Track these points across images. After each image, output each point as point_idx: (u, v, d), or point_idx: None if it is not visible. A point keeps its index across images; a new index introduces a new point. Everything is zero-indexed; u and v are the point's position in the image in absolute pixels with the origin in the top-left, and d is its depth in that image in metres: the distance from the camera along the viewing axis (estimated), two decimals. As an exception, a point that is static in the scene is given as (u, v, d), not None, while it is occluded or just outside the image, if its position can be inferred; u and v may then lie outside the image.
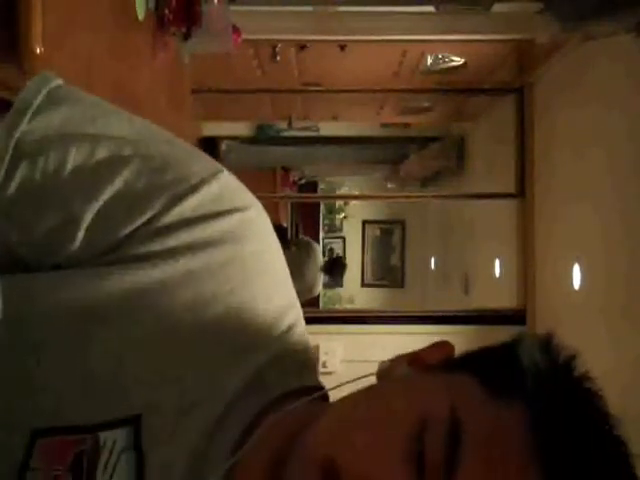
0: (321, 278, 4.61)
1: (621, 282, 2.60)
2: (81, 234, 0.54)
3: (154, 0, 1.71)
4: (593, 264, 2.87)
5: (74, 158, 0.55)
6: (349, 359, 3.45)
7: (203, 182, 0.56)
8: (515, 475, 0.45)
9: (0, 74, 0.98)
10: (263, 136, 5.44)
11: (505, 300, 3.78)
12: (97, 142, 0.56)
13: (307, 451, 0.49)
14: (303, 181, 7.02)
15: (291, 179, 6.59)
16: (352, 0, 3.08)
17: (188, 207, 0.55)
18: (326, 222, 7.78)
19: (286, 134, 5.42)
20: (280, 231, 4.42)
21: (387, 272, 7.79)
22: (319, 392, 0.58)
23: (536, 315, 3.48)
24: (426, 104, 4.60)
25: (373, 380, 0.57)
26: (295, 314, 0.61)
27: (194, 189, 0.56)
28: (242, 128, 5.42)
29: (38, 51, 1.01)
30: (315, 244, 4.84)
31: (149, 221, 0.55)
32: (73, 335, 0.53)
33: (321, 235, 7.34)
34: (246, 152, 5.42)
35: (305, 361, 0.60)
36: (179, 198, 0.55)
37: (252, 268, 0.57)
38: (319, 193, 7.31)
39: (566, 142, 3.16)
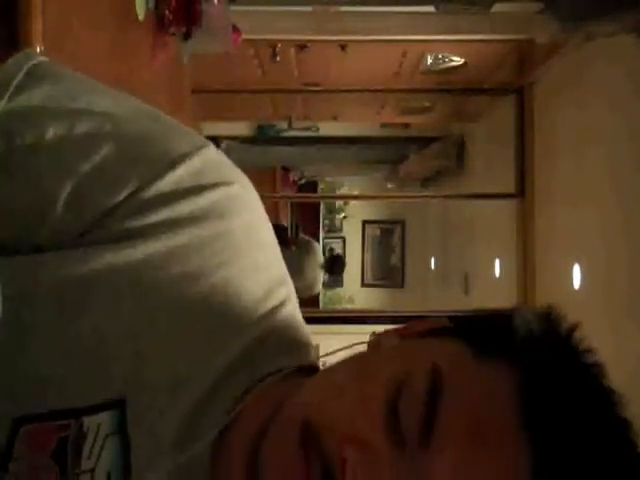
0: (321, 276, 4.61)
1: (621, 282, 2.60)
2: (59, 210, 0.53)
3: (154, 0, 1.71)
4: (593, 264, 2.87)
5: (51, 133, 0.53)
6: (349, 359, 3.45)
7: (185, 156, 0.55)
8: (497, 435, 0.44)
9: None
10: (263, 136, 5.44)
11: (505, 300, 3.77)
12: (77, 118, 0.54)
13: (287, 414, 0.49)
14: (303, 181, 7.02)
15: (291, 179, 6.59)
16: (352, 0, 3.08)
17: (169, 182, 0.54)
18: (326, 222, 7.78)
19: (286, 134, 5.42)
20: (280, 231, 4.42)
21: (387, 272, 7.79)
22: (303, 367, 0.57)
23: (536, 315, 3.48)
24: (426, 104, 4.60)
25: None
26: (285, 290, 0.59)
27: (175, 163, 0.54)
28: (242, 128, 5.42)
29: (38, 51, 1.01)
30: (315, 243, 4.85)
31: (129, 197, 0.53)
32: (54, 316, 0.51)
33: (321, 235, 7.34)
34: (246, 152, 5.42)
35: (295, 339, 0.59)
36: (160, 173, 0.54)
37: (239, 243, 0.56)
38: (319, 193, 7.31)
39: (566, 142, 3.16)
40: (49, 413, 0.50)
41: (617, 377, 0.49)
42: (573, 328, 0.50)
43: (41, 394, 0.50)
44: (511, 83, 3.73)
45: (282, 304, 0.58)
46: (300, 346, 0.59)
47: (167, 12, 1.76)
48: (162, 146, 0.55)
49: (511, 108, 3.72)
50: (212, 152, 0.57)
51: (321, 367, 0.60)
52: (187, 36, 1.84)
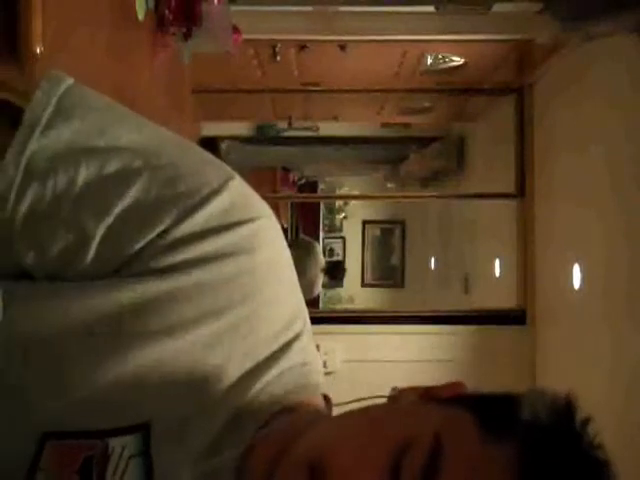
0: (321, 278, 4.61)
1: (621, 282, 2.60)
2: (93, 251, 0.55)
3: (154, 0, 1.71)
4: (593, 264, 2.87)
5: (84, 175, 0.55)
6: (349, 359, 3.45)
7: (214, 193, 0.56)
8: None
9: (0, 75, 0.98)
10: (263, 136, 5.44)
11: (505, 300, 3.77)
12: (107, 156, 0.56)
13: (297, 452, 0.51)
14: (303, 181, 7.02)
15: (291, 179, 6.58)
16: (352, 0, 3.08)
17: (199, 220, 0.55)
18: (326, 222, 7.78)
19: (286, 134, 5.41)
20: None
21: (387, 272, 7.79)
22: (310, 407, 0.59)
23: (536, 315, 3.48)
24: (426, 104, 4.60)
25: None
26: (302, 322, 0.61)
27: (204, 201, 0.56)
28: (242, 128, 5.41)
29: (38, 51, 1.01)
30: (315, 244, 4.84)
31: (160, 235, 0.55)
32: (82, 347, 0.53)
33: (321, 235, 7.34)
34: (246, 152, 5.41)
35: (311, 372, 0.61)
36: (190, 212, 0.55)
37: (262, 277, 0.58)
38: (319, 193, 7.31)
39: (566, 142, 3.16)
40: (76, 432, 0.52)
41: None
42: (587, 421, 0.50)
43: (69, 414, 0.52)
44: (511, 83, 3.73)
45: (297, 336, 0.60)
46: (312, 383, 0.61)
47: (167, 12, 1.76)
48: (191, 182, 0.57)
49: (511, 108, 3.72)
50: (238, 184, 0.59)
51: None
52: (187, 36, 1.84)
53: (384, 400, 0.59)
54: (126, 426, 0.52)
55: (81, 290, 0.54)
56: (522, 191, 3.60)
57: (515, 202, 3.67)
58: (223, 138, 5.20)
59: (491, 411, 0.51)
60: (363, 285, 7.78)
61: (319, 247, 4.98)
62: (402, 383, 0.60)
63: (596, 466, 0.48)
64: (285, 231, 5.78)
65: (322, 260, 4.65)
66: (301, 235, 6.24)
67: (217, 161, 0.61)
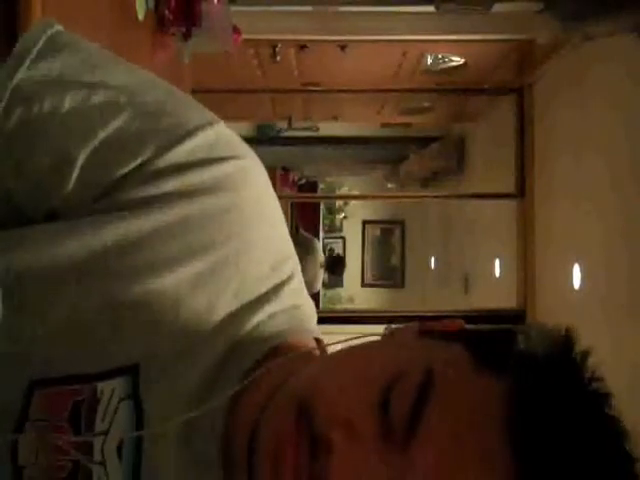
0: (321, 274, 4.61)
1: (621, 282, 2.60)
2: (75, 174, 0.54)
3: (154, 0, 1.71)
4: (593, 264, 2.87)
5: (70, 102, 0.55)
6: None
7: (198, 128, 0.56)
8: (480, 445, 0.44)
9: None
10: (263, 136, 5.44)
11: (505, 300, 3.78)
12: (94, 89, 0.56)
13: (286, 393, 0.50)
14: (303, 181, 7.02)
15: (291, 179, 6.59)
16: (352, 0, 3.09)
17: (182, 152, 0.55)
18: (326, 222, 7.78)
19: (286, 134, 5.42)
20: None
21: (387, 272, 7.79)
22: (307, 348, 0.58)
23: (536, 315, 3.48)
24: (426, 104, 4.60)
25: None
26: (291, 265, 0.60)
27: (189, 134, 0.55)
28: (242, 128, 5.42)
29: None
30: (315, 240, 4.85)
31: (143, 164, 0.54)
32: (70, 288, 0.53)
33: (321, 235, 7.33)
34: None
35: (303, 315, 0.60)
36: (174, 142, 0.55)
37: (249, 215, 0.57)
38: (319, 193, 7.31)
39: (566, 142, 3.16)
40: (62, 378, 0.52)
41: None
42: (587, 353, 0.49)
43: (55, 360, 0.52)
44: (511, 83, 3.73)
45: (289, 279, 0.59)
46: (306, 321, 0.61)
47: (167, 12, 1.76)
48: (177, 117, 0.57)
49: (511, 108, 3.72)
50: (224, 127, 0.59)
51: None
52: (187, 36, 1.84)
53: (379, 338, 0.57)
54: (114, 368, 0.52)
55: (66, 231, 0.54)
56: (522, 191, 3.60)
57: (515, 202, 3.67)
58: (223, 138, 5.19)
59: (486, 345, 0.50)
60: (363, 285, 7.78)
61: (319, 244, 4.98)
62: None
63: (595, 397, 0.47)
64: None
65: (322, 256, 4.65)
66: (301, 232, 6.24)
67: (204, 108, 0.61)
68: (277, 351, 0.55)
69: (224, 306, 0.55)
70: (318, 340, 0.61)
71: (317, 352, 0.59)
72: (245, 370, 0.54)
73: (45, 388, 0.51)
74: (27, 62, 0.56)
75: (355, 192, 7.29)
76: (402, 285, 7.65)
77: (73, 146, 0.54)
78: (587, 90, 2.93)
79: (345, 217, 7.96)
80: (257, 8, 3.04)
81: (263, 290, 0.57)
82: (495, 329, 0.54)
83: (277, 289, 0.58)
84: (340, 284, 7.17)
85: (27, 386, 0.51)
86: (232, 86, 4.06)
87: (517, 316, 3.52)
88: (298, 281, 0.61)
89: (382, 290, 7.64)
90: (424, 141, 5.74)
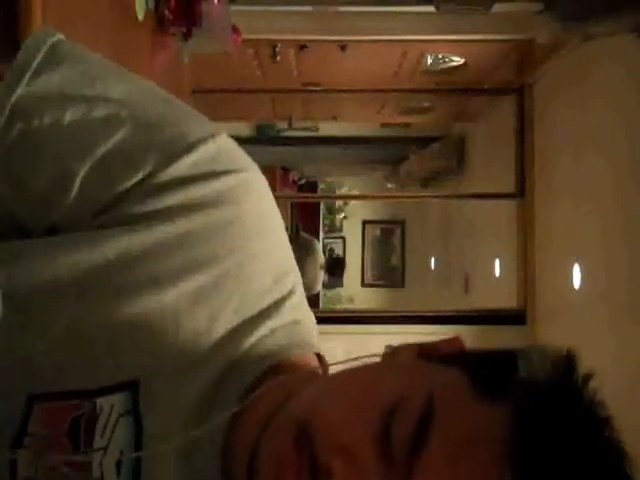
0: (321, 275, 4.61)
1: (621, 282, 2.60)
2: (75, 189, 0.54)
3: (154, 0, 1.71)
4: (593, 264, 2.87)
5: (70, 116, 0.54)
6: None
7: (200, 141, 0.56)
8: (481, 470, 0.44)
9: (0, 75, 0.97)
10: (263, 136, 5.44)
11: (505, 300, 3.78)
12: (94, 103, 0.55)
13: (287, 414, 0.50)
14: (303, 181, 7.02)
15: (291, 179, 6.59)
16: (352, 0, 3.08)
17: (184, 165, 0.54)
18: (326, 222, 7.78)
19: (286, 134, 5.42)
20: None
21: (387, 272, 7.79)
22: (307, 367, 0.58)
23: (536, 315, 3.48)
24: (426, 104, 4.60)
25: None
26: (292, 278, 0.60)
27: (191, 147, 0.55)
28: (242, 128, 5.42)
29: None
30: (315, 241, 4.84)
31: (144, 179, 0.54)
32: (70, 303, 0.52)
33: (321, 235, 7.33)
34: (246, 152, 5.41)
35: (304, 330, 0.60)
36: (175, 156, 0.54)
37: (251, 228, 0.57)
38: (319, 193, 7.31)
39: (566, 142, 3.16)
40: (61, 393, 0.51)
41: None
42: (588, 377, 0.49)
43: (55, 375, 0.52)
44: (511, 83, 3.73)
45: (290, 293, 0.59)
46: (307, 336, 0.60)
47: (167, 12, 1.76)
48: (178, 130, 0.56)
49: (511, 108, 3.72)
50: (226, 139, 0.58)
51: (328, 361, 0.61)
52: (187, 36, 1.84)
53: (379, 359, 0.57)
54: (114, 384, 0.51)
55: (68, 245, 0.54)
56: (522, 191, 3.60)
57: (515, 202, 3.67)
58: (223, 138, 5.19)
59: (487, 371, 0.49)
60: (363, 285, 7.77)
61: (319, 245, 4.98)
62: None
63: (596, 422, 0.47)
64: (285, 231, 5.76)
65: (322, 257, 4.65)
66: (301, 233, 6.24)
67: (205, 118, 0.60)
68: (277, 368, 0.55)
69: (225, 321, 0.54)
70: (319, 355, 0.61)
71: (318, 369, 0.59)
72: (245, 387, 0.53)
73: (45, 402, 0.51)
74: (26, 77, 0.55)
75: (355, 192, 7.29)
76: (402, 285, 7.65)
77: (74, 160, 0.54)
78: (587, 90, 2.93)
79: (345, 217, 7.96)
80: (257, 8, 3.04)
81: (264, 305, 0.56)
82: (496, 352, 0.53)
83: (278, 304, 0.57)
84: (340, 284, 7.16)
85: (26, 400, 0.51)
86: (232, 86, 4.05)
87: (517, 316, 3.52)
88: (299, 295, 0.60)
89: (382, 290, 7.64)
90: (424, 141, 5.73)
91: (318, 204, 7.37)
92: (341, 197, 7.63)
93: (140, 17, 1.60)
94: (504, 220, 3.97)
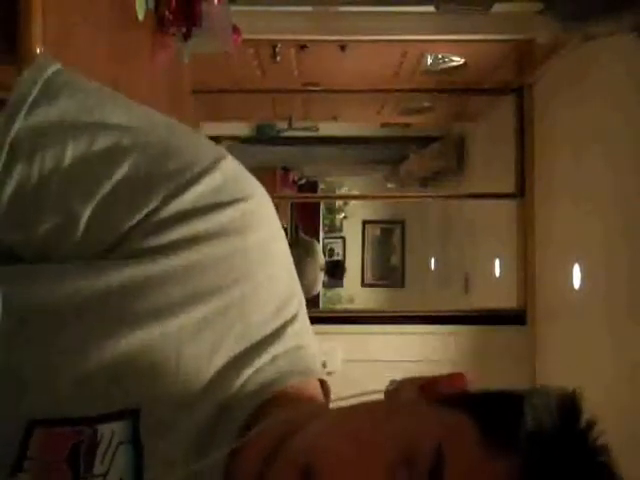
0: (321, 277, 4.61)
1: (621, 282, 2.60)
2: (80, 231, 0.54)
3: (154, 0, 1.71)
4: (593, 264, 2.87)
5: (71, 152, 0.54)
6: (349, 359, 3.45)
7: (205, 172, 0.55)
8: None
9: (0, 75, 0.97)
10: (263, 136, 5.44)
11: (505, 300, 3.78)
12: (95, 133, 0.55)
13: (291, 454, 0.50)
14: (303, 181, 7.02)
15: (291, 179, 6.59)
16: (352, 0, 3.08)
17: (189, 199, 0.54)
18: (326, 222, 7.78)
19: (286, 134, 5.42)
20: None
21: (387, 272, 7.79)
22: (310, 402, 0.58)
23: (536, 315, 3.48)
24: (426, 104, 4.60)
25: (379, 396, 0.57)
26: (296, 303, 0.60)
27: (195, 180, 0.55)
28: (242, 128, 5.41)
29: (38, 51, 1.01)
30: (315, 243, 4.84)
31: (149, 215, 0.54)
32: (71, 329, 0.52)
33: (321, 235, 7.33)
34: (246, 152, 5.41)
35: (306, 356, 0.60)
36: (180, 190, 0.54)
37: (255, 258, 0.56)
38: (319, 193, 7.31)
39: (566, 142, 3.16)
40: (62, 419, 0.51)
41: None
42: (592, 424, 0.48)
43: (56, 401, 0.51)
44: (511, 83, 3.73)
45: (292, 319, 0.58)
46: (310, 362, 0.60)
47: (167, 12, 1.76)
48: (181, 161, 0.55)
49: (511, 108, 3.72)
50: (230, 163, 0.58)
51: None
52: (187, 36, 1.84)
53: (382, 395, 0.57)
54: (115, 412, 0.51)
55: (69, 271, 0.53)
56: (522, 191, 3.60)
57: (515, 202, 3.67)
58: (223, 138, 5.20)
59: (494, 418, 0.49)
60: (363, 285, 7.78)
61: (319, 246, 4.98)
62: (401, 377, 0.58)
63: (599, 470, 0.47)
64: (285, 231, 5.76)
65: (322, 259, 4.65)
66: (301, 234, 6.23)
67: (207, 140, 0.60)
68: (279, 396, 0.55)
69: (226, 350, 0.54)
70: (322, 381, 0.61)
71: (320, 396, 0.59)
72: (246, 417, 0.53)
73: (45, 428, 0.51)
74: (23, 112, 0.54)
75: (355, 192, 7.29)
76: (402, 285, 7.65)
77: (77, 202, 0.53)
78: (587, 90, 2.93)
79: (345, 217, 7.96)
80: (257, 8, 3.04)
81: (267, 332, 0.56)
82: (500, 394, 0.52)
83: (280, 331, 0.57)
84: (340, 284, 7.16)
85: (27, 424, 0.51)
86: (232, 86, 4.05)
87: (517, 316, 3.52)
88: (302, 320, 0.60)
89: (382, 290, 7.64)
90: (424, 141, 5.73)
91: (318, 204, 7.37)
92: (341, 197, 7.63)
93: (140, 17, 1.60)
94: (504, 220, 3.97)
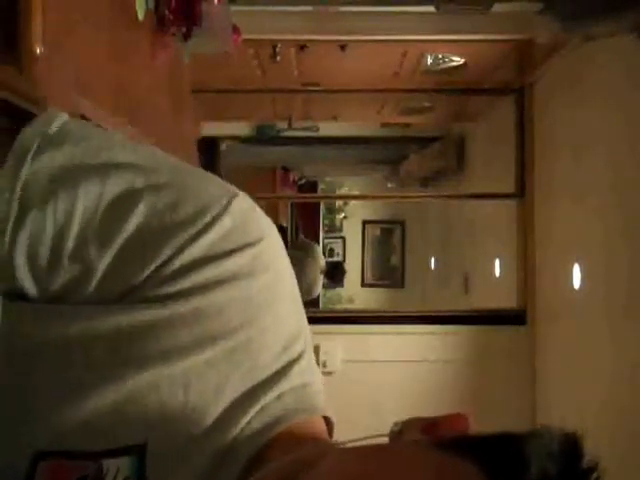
0: (320, 280, 4.61)
1: (621, 282, 2.60)
2: (94, 283, 0.54)
3: (154, 0, 1.71)
4: (593, 264, 2.87)
5: (84, 199, 0.54)
6: (349, 359, 3.45)
7: (216, 219, 0.55)
8: None
9: (0, 75, 0.98)
10: (263, 136, 5.44)
11: (505, 300, 3.78)
12: (105, 175, 0.55)
13: None
14: (303, 181, 7.03)
15: (291, 179, 6.59)
16: (352, 0, 3.08)
17: (201, 248, 0.55)
18: (326, 222, 7.79)
19: (286, 134, 5.42)
20: (280, 231, 4.41)
21: (387, 272, 7.80)
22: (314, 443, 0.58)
23: (536, 315, 3.48)
24: (426, 104, 4.60)
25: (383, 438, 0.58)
26: (302, 342, 0.60)
27: (207, 228, 0.55)
28: (242, 128, 5.41)
29: (38, 51, 1.01)
30: (315, 245, 4.84)
31: (162, 265, 0.54)
32: (77, 367, 0.53)
33: (321, 235, 7.34)
34: (246, 152, 5.42)
35: (311, 393, 0.60)
36: (191, 240, 0.55)
37: (262, 302, 0.57)
38: (319, 193, 7.32)
39: (566, 142, 3.16)
40: (67, 452, 0.52)
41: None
42: (594, 467, 0.48)
43: (62, 434, 0.52)
44: (511, 83, 3.73)
45: (298, 358, 0.59)
46: (314, 399, 0.60)
47: (167, 12, 1.76)
48: (192, 207, 0.56)
49: (511, 108, 3.72)
50: (240, 203, 0.58)
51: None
52: (187, 36, 1.84)
53: (386, 438, 0.57)
54: (121, 447, 0.52)
55: (81, 311, 0.54)
56: (522, 191, 3.60)
57: (515, 202, 3.67)
58: (223, 138, 5.20)
59: (498, 465, 0.48)
60: (363, 285, 7.79)
61: (319, 248, 4.98)
62: (401, 411, 0.58)
63: None
64: (285, 231, 5.78)
65: (322, 261, 4.65)
66: (301, 237, 6.23)
67: (216, 178, 0.60)
68: (285, 433, 0.56)
69: (232, 389, 0.55)
70: (327, 418, 0.61)
71: (325, 433, 0.60)
72: (252, 455, 0.54)
73: (50, 460, 0.52)
74: (29, 158, 0.54)
75: (355, 192, 7.30)
76: (402, 285, 7.66)
77: (94, 255, 0.54)
78: (587, 90, 2.93)
79: (345, 217, 7.97)
80: (257, 8, 3.04)
81: (273, 371, 0.57)
82: (501, 437, 0.52)
83: (286, 369, 0.58)
84: (340, 284, 7.17)
85: (33, 456, 0.52)
86: (232, 86, 4.05)
87: (517, 316, 3.52)
88: (308, 357, 0.61)
89: (382, 290, 7.65)
90: (424, 141, 5.74)
91: (318, 204, 7.38)
92: (341, 197, 7.64)
93: (140, 17, 1.60)
94: (504, 220, 3.97)
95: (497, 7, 2.90)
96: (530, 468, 0.47)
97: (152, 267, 0.54)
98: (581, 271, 2.96)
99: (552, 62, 3.21)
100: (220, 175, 0.61)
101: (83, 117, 1.29)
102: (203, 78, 3.26)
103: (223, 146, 5.19)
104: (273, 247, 0.60)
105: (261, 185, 5.48)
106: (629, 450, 2.33)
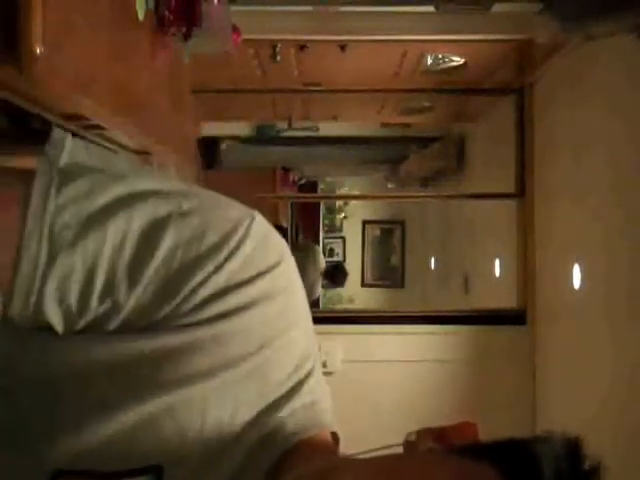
0: (320, 281, 4.61)
1: (621, 282, 2.60)
2: (120, 319, 0.55)
3: (154, 0, 1.71)
4: (593, 264, 2.87)
5: (112, 236, 0.54)
6: (349, 359, 3.45)
7: (240, 243, 0.57)
8: None
9: (0, 75, 0.98)
10: (263, 136, 5.44)
11: (505, 300, 3.78)
12: (130, 209, 0.55)
13: None
14: (303, 181, 7.02)
15: (291, 179, 6.59)
16: (352, 0, 3.08)
17: (223, 277, 0.56)
18: (326, 222, 7.79)
19: (286, 134, 5.42)
20: (280, 231, 4.41)
21: (387, 272, 7.80)
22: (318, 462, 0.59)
23: (536, 315, 3.48)
24: (426, 104, 4.60)
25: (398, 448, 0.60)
26: (312, 361, 0.63)
27: (228, 258, 0.56)
28: (242, 128, 5.42)
29: (38, 51, 1.01)
30: (316, 247, 4.85)
31: (185, 298, 0.55)
32: (99, 388, 0.54)
33: (321, 235, 7.34)
34: (246, 152, 5.42)
35: (320, 410, 0.62)
36: (216, 270, 0.56)
37: (278, 325, 0.59)
38: (319, 193, 7.31)
39: (566, 142, 3.16)
40: (86, 472, 0.53)
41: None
42: (596, 467, 0.50)
43: (81, 453, 0.53)
44: (511, 83, 3.73)
45: (309, 374, 0.61)
46: (322, 421, 0.62)
47: (167, 12, 1.76)
48: (214, 236, 0.57)
49: (511, 108, 3.72)
50: (257, 228, 0.59)
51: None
52: (187, 36, 1.84)
53: (396, 449, 0.59)
54: (139, 467, 0.53)
55: (105, 339, 0.55)
56: (522, 191, 3.60)
57: (515, 202, 3.67)
58: (223, 138, 5.21)
59: (514, 467, 0.50)
60: (363, 285, 7.78)
61: (319, 250, 4.98)
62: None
63: None
64: (285, 231, 5.77)
65: (322, 263, 4.65)
66: (301, 238, 6.24)
67: (231, 201, 0.61)
68: (299, 446, 0.58)
69: (248, 408, 0.57)
70: (333, 433, 0.63)
71: (333, 448, 0.61)
72: (266, 472, 0.56)
73: (69, 478, 0.53)
74: (52, 193, 0.54)
75: (355, 192, 7.29)
76: (402, 285, 7.66)
77: (122, 293, 0.55)
78: (587, 90, 2.93)
79: (345, 217, 7.97)
80: (257, 8, 3.04)
81: (285, 389, 0.59)
82: (511, 442, 0.53)
83: (298, 387, 0.60)
84: (341, 286, 7.17)
85: (52, 474, 0.53)
86: (232, 86, 4.05)
87: (517, 316, 3.52)
88: (317, 375, 0.63)
89: (382, 290, 7.65)
90: (424, 141, 5.74)
91: (318, 204, 7.38)
92: (341, 197, 7.64)
93: (140, 17, 1.60)
94: (504, 220, 3.97)
95: (497, 7, 2.90)
96: (543, 469, 0.49)
97: (175, 302, 0.55)
98: (581, 271, 2.96)
99: (552, 62, 3.21)
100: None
101: (83, 117, 1.29)
102: (203, 78, 3.26)
103: (223, 146, 5.19)
104: (290, 268, 0.62)
105: (261, 185, 5.47)
106: (629, 450, 2.33)
